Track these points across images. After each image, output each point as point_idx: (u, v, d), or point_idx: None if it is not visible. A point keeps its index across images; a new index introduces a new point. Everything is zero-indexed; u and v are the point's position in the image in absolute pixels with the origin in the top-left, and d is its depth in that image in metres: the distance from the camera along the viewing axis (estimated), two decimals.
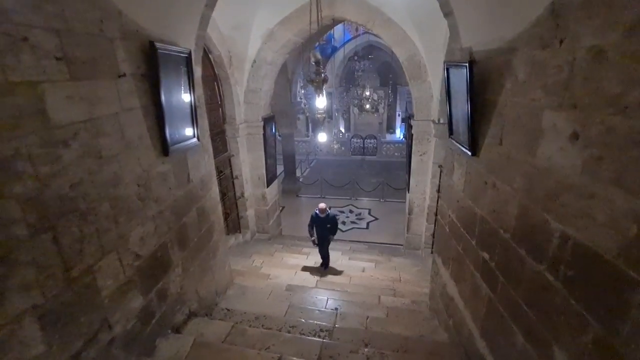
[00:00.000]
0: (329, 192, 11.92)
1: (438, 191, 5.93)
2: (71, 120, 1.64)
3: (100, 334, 1.81)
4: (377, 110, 21.02)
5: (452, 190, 2.90)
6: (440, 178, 5.86)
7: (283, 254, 6.20)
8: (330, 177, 13.36)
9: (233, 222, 6.98)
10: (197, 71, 3.29)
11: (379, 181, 11.76)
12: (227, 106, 6.46)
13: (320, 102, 5.36)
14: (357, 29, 14.02)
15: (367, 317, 3.25)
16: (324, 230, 5.62)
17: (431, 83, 5.80)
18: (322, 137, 10.14)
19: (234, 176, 6.83)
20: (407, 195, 6.98)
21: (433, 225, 6.22)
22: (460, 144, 2.60)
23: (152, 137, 2.33)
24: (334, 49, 14.80)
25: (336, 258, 6.11)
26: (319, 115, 5.77)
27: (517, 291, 1.84)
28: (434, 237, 6.25)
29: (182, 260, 2.74)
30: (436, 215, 6.04)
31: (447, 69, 2.67)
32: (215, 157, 6.39)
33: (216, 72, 6.08)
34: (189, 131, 2.85)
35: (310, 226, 5.72)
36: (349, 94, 13.27)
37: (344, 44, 14.63)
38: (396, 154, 16.24)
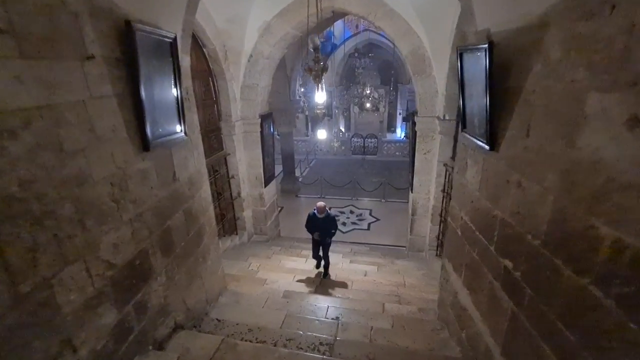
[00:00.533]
0: (329, 192, 11.65)
1: (443, 191, 5.66)
2: (20, 105, 1.37)
3: (60, 359, 1.54)
4: (377, 109, 20.80)
5: (465, 190, 2.63)
6: (445, 177, 5.60)
7: (281, 256, 5.94)
8: (331, 176, 13.10)
9: (229, 224, 6.71)
10: (186, 60, 3.02)
11: (380, 181, 11.49)
12: (223, 103, 6.19)
13: (320, 96, 5.10)
14: (357, 26, 13.75)
15: (371, 328, 2.98)
16: (323, 233, 5.07)
17: (436, 78, 5.53)
18: (321, 135, 9.84)
19: (230, 176, 6.56)
20: (410, 195, 6.71)
21: (438, 226, 5.96)
22: (475, 138, 2.33)
23: (129, 130, 2.05)
24: (334, 47, 14.53)
25: (337, 261, 5.84)
26: (318, 111, 5.50)
27: (550, 307, 1.56)
28: (438, 239, 6.00)
29: (166, 267, 2.47)
30: (441, 216, 5.78)
31: (460, 55, 2.39)
32: (209, 155, 6.13)
33: (211, 67, 5.81)
34: (174, 125, 2.58)
35: (308, 227, 5.19)
36: (349, 92, 13.00)
37: (344, 41, 14.36)
38: (397, 153, 15.97)
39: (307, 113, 17.76)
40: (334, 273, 5.02)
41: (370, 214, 10.10)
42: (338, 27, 13.64)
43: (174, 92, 2.55)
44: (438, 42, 5.17)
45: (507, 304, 1.96)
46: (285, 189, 11.76)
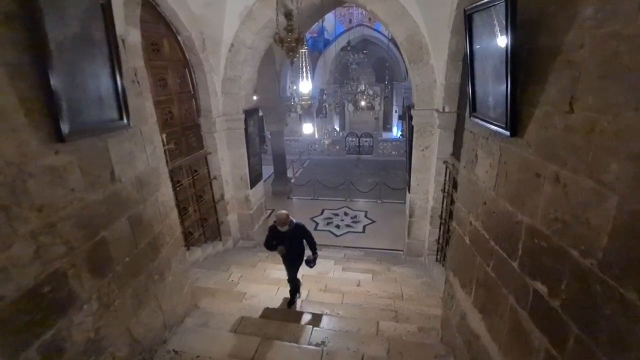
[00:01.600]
0: (322, 194, 11.14)
1: (443, 191, 5.17)
2: None
3: None
4: (372, 108, 20.33)
5: (475, 189, 2.13)
6: (445, 176, 5.11)
7: (267, 264, 5.41)
8: (324, 177, 12.57)
9: (212, 229, 6.17)
10: (134, 35, 2.50)
11: (375, 181, 10.99)
12: (202, 97, 5.66)
13: (305, 86, 4.59)
14: (350, 21, 13.29)
15: (363, 356, 2.47)
16: (290, 249, 3.89)
17: (434, 66, 5.03)
18: (307, 129, 9.16)
19: (211, 177, 6.02)
20: (408, 195, 6.21)
21: (438, 229, 5.46)
22: (489, 123, 1.83)
23: (30, 113, 1.53)
24: (327, 42, 14.05)
25: (328, 269, 5.33)
26: (303, 102, 4.99)
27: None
28: (439, 243, 5.50)
29: (98, 291, 1.94)
30: (441, 218, 5.29)
31: (469, 19, 1.89)
32: (187, 154, 5.60)
33: (187, 56, 5.28)
34: (111, 112, 2.06)
35: (269, 244, 3.89)
36: (342, 88, 12.52)
37: (337, 37, 13.89)
38: (393, 152, 15.49)
39: (299, 112, 17.27)
40: (324, 283, 4.50)
41: (366, 216, 9.60)
42: (330, 21, 13.18)
43: (111, 71, 2.02)
44: (436, 26, 4.68)
45: (539, 342, 1.45)
46: (277, 190, 11.24)
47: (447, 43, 4.56)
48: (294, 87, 15.91)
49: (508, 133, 1.63)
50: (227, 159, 6.26)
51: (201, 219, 5.78)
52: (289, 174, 12.85)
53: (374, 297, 4.07)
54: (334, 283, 4.57)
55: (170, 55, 4.96)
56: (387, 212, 9.78)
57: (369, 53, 17.18)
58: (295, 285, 4.04)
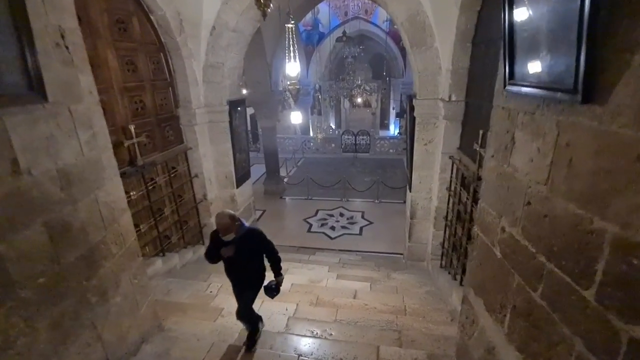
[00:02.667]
0: (317, 193, 10.58)
1: (449, 189, 4.63)
2: None
3: None
4: (369, 105, 19.83)
5: (512, 184, 1.58)
6: (451, 172, 4.57)
7: None
8: (319, 176, 12.01)
9: (192, 232, 5.59)
10: None
11: (373, 180, 10.45)
12: (180, 85, 5.08)
13: (292, 68, 4.04)
14: (346, 13, 12.75)
15: None
16: (239, 268, 2.84)
17: (439, 50, 4.50)
18: (295, 118, 8.44)
19: (192, 174, 5.44)
20: (409, 194, 5.68)
21: (443, 232, 4.92)
22: (541, 88, 1.28)
23: None
24: (322, 36, 13.50)
25: (321, 277, 4.77)
26: (291, 87, 4.44)
27: None
28: (443, 247, 4.96)
29: None
30: (446, 219, 4.75)
31: None
32: (163, 149, 5.02)
33: (162, 39, 4.69)
34: (11, 78, 1.49)
35: (211, 255, 2.86)
36: (337, 83, 11.98)
37: (332, 30, 13.34)
38: (391, 150, 14.96)
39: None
40: (315, 295, 3.94)
41: (363, 217, 9.05)
42: (325, 14, 12.63)
43: (9, 23, 1.46)
44: (442, 3, 4.14)
45: None
46: (269, 190, 10.66)
47: (455, 22, 4.02)
48: (287, 83, 15.38)
49: (578, 98, 1.08)
50: (209, 155, 5.69)
51: (180, 221, 5.19)
52: (283, 172, 12.29)
53: (373, 311, 3.53)
54: (327, 294, 4.01)
55: (142, 36, 4.37)
56: (386, 212, 9.25)
57: (365, 49, 16.66)
58: (251, 322, 2.83)
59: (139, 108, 4.37)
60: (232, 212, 2.80)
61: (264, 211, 9.44)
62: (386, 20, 12.63)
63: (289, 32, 3.14)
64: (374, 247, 7.39)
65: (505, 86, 1.56)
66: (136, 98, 4.32)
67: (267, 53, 8.96)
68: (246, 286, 2.96)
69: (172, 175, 4.98)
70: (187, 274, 4.56)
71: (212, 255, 2.84)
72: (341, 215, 9.18)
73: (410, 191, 5.46)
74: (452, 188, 4.55)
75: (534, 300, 1.39)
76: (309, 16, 12.48)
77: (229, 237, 2.72)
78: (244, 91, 11.86)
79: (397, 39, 12.92)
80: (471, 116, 4.18)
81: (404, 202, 9.88)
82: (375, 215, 9.10)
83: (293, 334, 2.93)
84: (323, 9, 12.50)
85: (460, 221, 4.25)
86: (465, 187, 3.99)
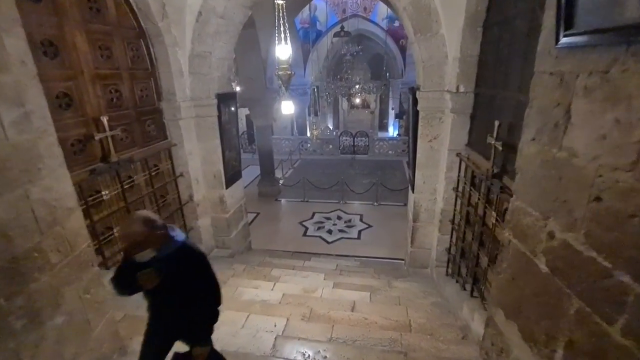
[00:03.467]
0: (314, 195, 10.16)
1: (456, 190, 4.22)
2: None
3: None
4: (368, 106, 19.48)
5: (568, 173, 1.17)
6: (459, 171, 4.16)
7: (241, 280, 4.42)
8: (317, 178, 11.61)
9: None
10: None
11: (371, 182, 10.04)
12: (163, 76, 4.67)
13: (283, 51, 3.63)
14: (344, 11, 12.39)
15: None
16: (166, 307, 1.89)
17: (445, 37, 4.11)
18: (287, 108, 7.81)
19: (176, 173, 5.02)
20: (411, 196, 5.27)
21: (449, 236, 4.51)
22: (623, 31, 0.88)
23: None
24: (319, 34, 13.14)
25: (316, 285, 4.35)
26: (281, 72, 4.03)
27: None
28: (450, 252, 4.54)
29: None
30: (453, 222, 4.33)
31: None
32: (144, 145, 4.58)
33: (142, 24, 4.29)
34: None
35: (120, 281, 1.76)
36: (335, 82, 11.60)
37: (330, 27, 12.97)
38: (390, 152, 14.58)
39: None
40: (309, 307, 3.49)
41: (361, 220, 8.63)
42: (322, 10, 12.28)
43: None
44: None
45: None
46: (264, 192, 10.23)
47: (464, 4, 3.64)
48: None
49: None
50: (196, 152, 5.27)
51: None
52: (278, 174, 11.88)
53: (374, 327, 3.09)
54: (322, 306, 3.58)
55: (118, 20, 3.96)
56: (385, 215, 8.83)
57: (364, 49, 16.34)
58: None
59: (115, 98, 3.95)
60: (150, 214, 1.79)
61: (258, 214, 9.01)
62: (385, 18, 12.29)
63: (278, 10, 2.77)
64: (374, 252, 6.96)
65: (557, 42, 1.15)
66: (111, 87, 3.90)
67: (261, 48, 8.57)
68: (172, 339, 1.97)
69: (154, 173, 4.55)
70: None
71: (123, 283, 1.75)
72: (339, 218, 8.76)
73: (412, 192, 5.05)
74: (460, 188, 4.15)
75: (609, 337, 0.97)
76: (306, 13, 12.13)
77: (145, 255, 1.71)
78: (237, 88, 11.47)
79: (396, 38, 12.59)
80: (482, 108, 3.78)
81: (405, 204, 9.49)
82: (374, 218, 8.68)
83: (280, 358, 2.49)
84: (321, 6, 12.15)
85: (469, 225, 3.84)
86: (476, 187, 3.59)
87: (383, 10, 12.16)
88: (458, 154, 4.19)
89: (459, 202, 4.20)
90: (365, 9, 12.20)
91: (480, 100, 3.86)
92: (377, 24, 12.67)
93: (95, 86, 3.67)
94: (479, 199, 3.43)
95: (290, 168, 13.39)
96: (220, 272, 4.73)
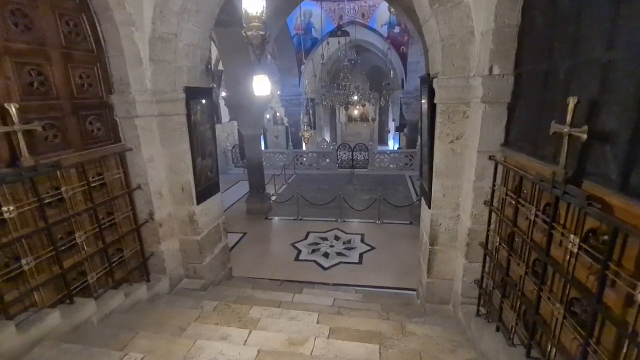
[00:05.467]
0: (308, 213, 9.10)
1: (491, 203, 3.20)
2: None
3: None
4: (367, 120, 18.71)
5: None
6: (494, 179, 3.16)
7: (206, 327, 3.30)
8: (313, 194, 10.60)
9: (130, 265, 4.05)
10: None
11: (373, 198, 9.02)
12: (114, 62, 3.72)
13: (253, 4, 2.69)
14: (341, 17, 11.72)
15: None
16: None
17: (471, 7, 3.21)
18: (261, 88, 5.53)
19: (132, 185, 3.99)
20: (426, 212, 4.22)
21: (481, 265, 3.45)
22: None
23: None
24: (315, 42, 12.43)
25: (307, 334, 3.24)
26: (251, 32, 3.07)
27: None
28: (482, 287, 3.47)
29: None
30: (487, 247, 3.28)
31: None
32: (85, 148, 3.51)
33: None
34: None
35: None
36: (332, 89, 10.79)
37: (327, 35, 12.27)
38: (392, 166, 13.64)
39: (286, 124, 15.44)
40: None
41: (362, 241, 7.54)
42: (317, 16, 11.60)
43: None
44: None
45: None
46: (253, 209, 9.17)
47: None
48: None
49: None
50: (160, 159, 4.25)
51: (106, 249, 3.66)
52: (271, 190, 10.86)
53: None
54: None
55: None
56: (390, 235, 7.75)
57: (362, 61, 15.71)
58: None
59: (37, 83, 2.96)
60: None
61: (245, 234, 7.90)
62: (385, 24, 11.62)
63: None
64: (379, 280, 5.85)
65: None
66: (31, 68, 2.92)
67: (249, 50, 7.72)
68: None
69: (95, 185, 3.51)
70: (102, 333, 3.00)
71: None
72: (337, 239, 7.66)
73: (429, 208, 4.02)
74: (498, 202, 3.12)
75: None
76: (300, 20, 11.46)
77: None
78: (223, 93, 10.62)
79: (397, 45, 11.89)
80: (529, 94, 2.81)
81: (411, 223, 8.44)
82: (377, 239, 7.59)
83: None
84: (316, 13, 11.50)
85: (514, 252, 2.80)
86: (530, 199, 2.57)
87: (382, 16, 11.51)
88: (492, 157, 3.20)
89: (495, 219, 3.17)
90: (363, 15, 11.54)
91: (524, 84, 2.90)
92: (376, 31, 11.99)
93: (3, 63, 2.69)
94: (536, 215, 2.40)
95: (284, 183, 12.37)
96: (181, 314, 3.61)
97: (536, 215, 2.40)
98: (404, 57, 12.07)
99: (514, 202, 2.77)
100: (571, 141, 1.97)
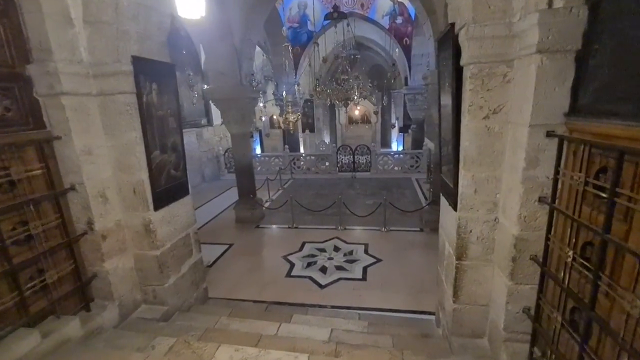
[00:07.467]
0: (305, 220, 8.10)
1: (551, 200, 2.21)
2: None
3: None
4: (368, 121, 17.81)
5: None
6: (558, 165, 2.17)
7: None
8: (310, 200, 9.63)
9: (57, 292, 3.05)
10: None
11: (377, 202, 8.02)
12: (30, 19, 2.80)
13: None
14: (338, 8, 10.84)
15: None
16: None
17: None
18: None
19: (62, 184, 3.02)
20: (450, 214, 3.20)
21: (536, 287, 2.43)
22: None
23: None
24: (311, 35, 11.59)
25: None
26: None
27: None
28: (536, 318, 2.44)
29: None
30: (545, 264, 2.28)
31: None
32: None
33: None
34: None
35: None
36: (331, 84, 9.93)
37: (323, 27, 11.40)
38: (396, 168, 12.66)
39: (282, 125, 14.50)
40: None
41: (366, 252, 6.51)
42: (312, 7, 10.75)
43: None
44: None
45: None
46: (241, 217, 8.17)
47: None
48: (268, 81, 13.13)
49: None
50: (101, 152, 3.29)
51: (15, 273, 2.67)
52: (264, 196, 9.89)
53: None
54: None
55: None
56: (397, 245, 6.72)
57: (363, 59, 14.88)
58: None
59: None
60: None
61: (230, 246, 6.89)
62: (386, 14, 10.77)
63: None
64: (387, 301, 4.80)
65: None
66: None
67: (234, 34, 6.83)
68: None
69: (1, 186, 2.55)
70: None
71: None
72: (336, 249, 6.63)
73: (454, 209, 3.01)
74: (564, 199, 2.13)
75: None
76: (295, 11, 10.63)
77: None
78: (205, 86, 9.72)
79: (399, 36, 11.02)
80: (618, 31, 1.83)
81: (421, 230, 7.40)
82: (383, 249, 6.56)
83: None
84: (311, 3, 10.66)
85: (591, 271, 1.79)
86: (632, 186, 1.57)
87: (382, 6, 10.66)
88: (550, 133, 2.21)
89: (558, 221, 2.17)
90: (362, 5, 10.70)
91: (606, 16, 1.92)
92: (376, 22, 11.13)
93: None
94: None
95: (279, 189, 11.39)
96: (121, 357, 2.61)
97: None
98: (407, 50, 11.19)
99: (598, 196, 1.77)
100: None
